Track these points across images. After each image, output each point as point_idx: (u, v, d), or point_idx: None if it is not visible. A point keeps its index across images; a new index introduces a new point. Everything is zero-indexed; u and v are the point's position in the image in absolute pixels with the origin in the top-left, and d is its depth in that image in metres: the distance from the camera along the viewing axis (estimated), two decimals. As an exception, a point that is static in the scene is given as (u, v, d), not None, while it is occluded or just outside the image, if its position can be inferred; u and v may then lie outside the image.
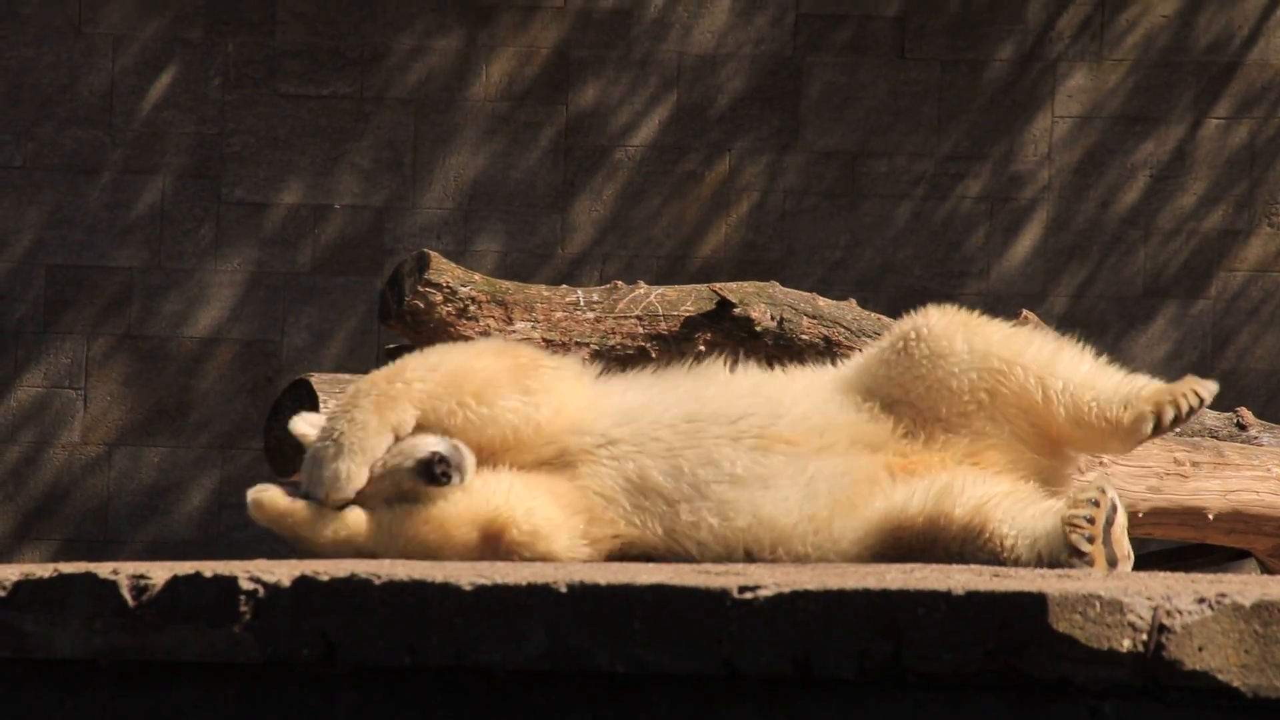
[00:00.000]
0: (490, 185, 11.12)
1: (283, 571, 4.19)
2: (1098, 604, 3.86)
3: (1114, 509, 4.91)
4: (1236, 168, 11.03)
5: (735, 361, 5.39)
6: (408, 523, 4.99)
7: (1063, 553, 4.86)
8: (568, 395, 5.10)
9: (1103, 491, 4.91)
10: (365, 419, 5.00)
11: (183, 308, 11.10)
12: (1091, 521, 4.84)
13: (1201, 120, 11.05)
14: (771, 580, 4.05)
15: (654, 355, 7.03)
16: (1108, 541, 4.86)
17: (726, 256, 11.05)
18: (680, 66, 11.13)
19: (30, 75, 11.09)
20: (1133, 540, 5.07)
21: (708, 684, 4.00)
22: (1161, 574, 4.85)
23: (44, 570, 4.24)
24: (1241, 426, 7.32)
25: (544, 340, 6.99)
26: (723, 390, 5.20)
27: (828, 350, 7.04)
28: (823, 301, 7.20)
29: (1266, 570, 7.28)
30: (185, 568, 4.23)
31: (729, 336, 7.09)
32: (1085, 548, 4.83)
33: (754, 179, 11.10)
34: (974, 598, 3.90)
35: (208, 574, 4.17)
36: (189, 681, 4.17)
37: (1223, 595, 3.91)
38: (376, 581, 4.11)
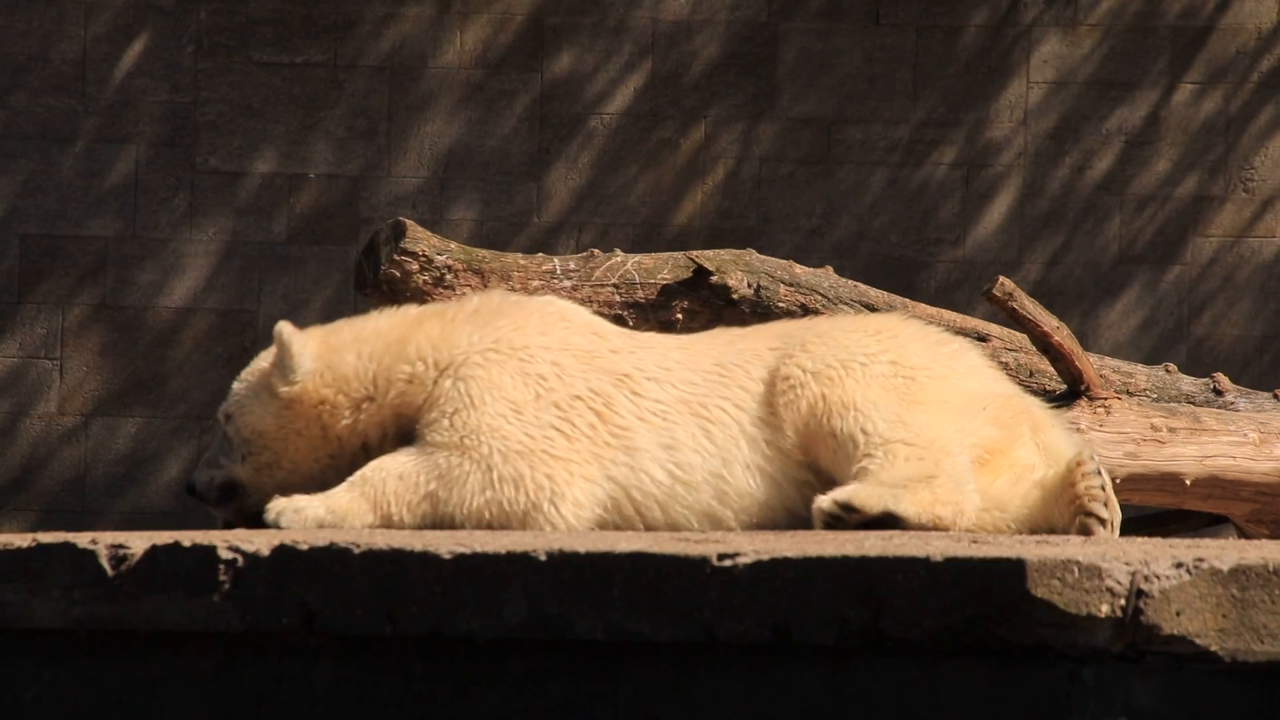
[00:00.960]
0: (465, 153, 11.10)
1: (262, 541, 4.19)
2: (1076, 569, 3.87)
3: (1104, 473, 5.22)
4: (1210, 133, 11.05)
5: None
6: None
7: (1075, 519, 5.10)
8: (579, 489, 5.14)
9: (1094, 459, 5.18)
10: (360, 509, 5.10)
11: (158, 277, 11.08)
12: (1104, 489, 5.12)
13: (1175, 86, 11.06)
14: (751, 548, 4.05)
15: (631, 323, 7.02)
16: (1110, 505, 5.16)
17: (702, 224, 11.04)
18: (655, 33, 11.11)
19: (2, 43, 11.04)
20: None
21: (688, 651, 4.00)
22: (1139, 539, 4.87)
23: (22, 540, 4.24)
24: (1218, 392, 7.34)
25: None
26: (702, 455, 5.20)
27: (804, 318, 7.05)
28: (799, 269, 7.20)
29: (1244, 535, 7.30)
30: (164, 537, 4.22)
31: (706, 304, 7.09)
32: (1104, 513, 5.10)
33: (729, 146, 11.09)
34: (953, 564, 3.91)
35: (186, 543, 4.17)
36: (168, 651, 4.16)
37: (1200, 560, 3.92)
38: (356, 550, 4.10)
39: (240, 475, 5.30)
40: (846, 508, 4.95)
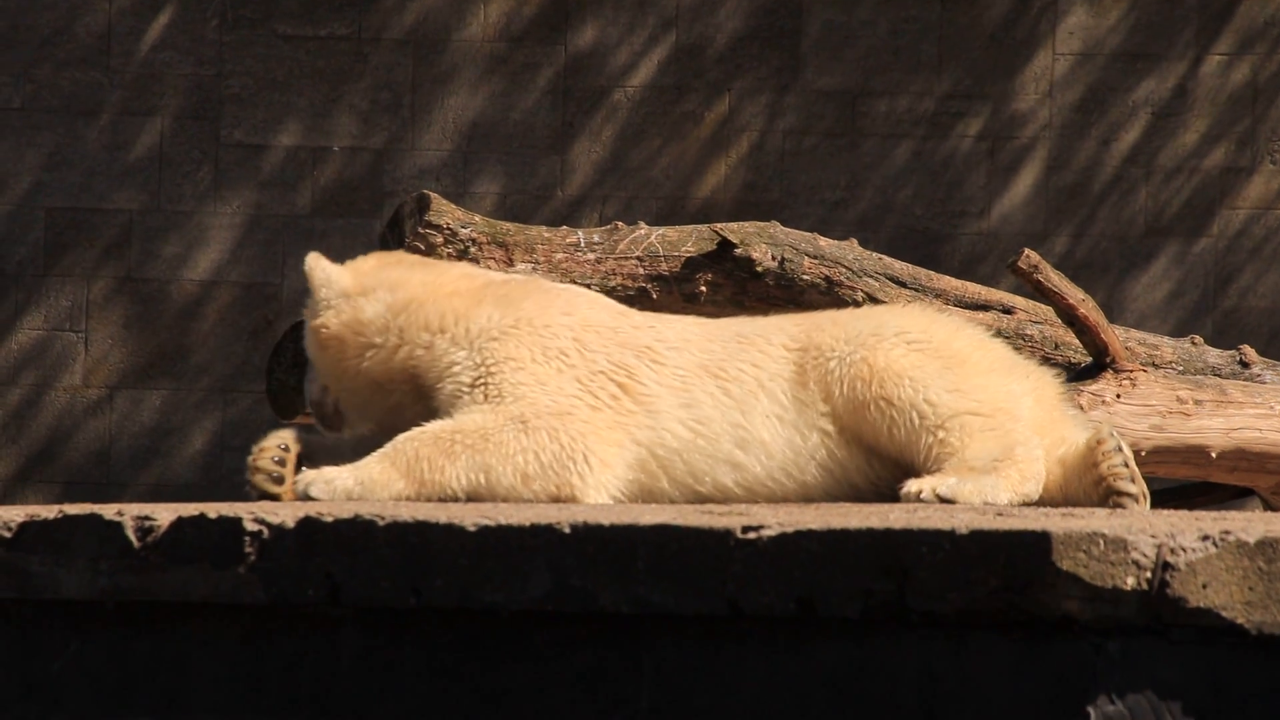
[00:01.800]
0: (489, 126, 11.10)
1: (287, 513, 4.20)
2: (1102, 542, 3.86)
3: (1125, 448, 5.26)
4: (1238, 105, 11.00)
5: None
6: None
7: (1106, 499, 5.16)
8: (606, 465, 5.17)
9: (1114, 435, 5.22)
10: (390, 478, 5.12)
11: (182, 250, 11.09)
12: (1127, 465, 5.16)
13: (1203, 57, 11.02)
14: (775, 520, 4.05)
15: (654, 296, 7.02)
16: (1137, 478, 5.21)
17: (726, 197, 11.03)
18: (679, 6, 11.08)
19: (28, 16, 11.05)
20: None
21: (712, 624, 4.00)
22: (1165, 512, 4.87)
23: (49, 511, 4.25)
24: (1244, 364, 7.32)
25: (545, 281, 6.97)
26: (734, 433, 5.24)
27: (829, 290, 7.03)
28: (824, 241, 7.18)
29: (1270, 508, 7.29)
30: (190, 509, 4.23)
31: (729, 277, 7.08)
32: (1133, 489, 5.15)
33: (753, 119, 11.07)
34: (977, 536, 3.90)
35: (212, 515, 4.17)
36: (194, 622, 4.17)
37: (1227, 532, 3.91)
38: (381, 522, 4.11)
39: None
40: (948, 502, 4.99)
